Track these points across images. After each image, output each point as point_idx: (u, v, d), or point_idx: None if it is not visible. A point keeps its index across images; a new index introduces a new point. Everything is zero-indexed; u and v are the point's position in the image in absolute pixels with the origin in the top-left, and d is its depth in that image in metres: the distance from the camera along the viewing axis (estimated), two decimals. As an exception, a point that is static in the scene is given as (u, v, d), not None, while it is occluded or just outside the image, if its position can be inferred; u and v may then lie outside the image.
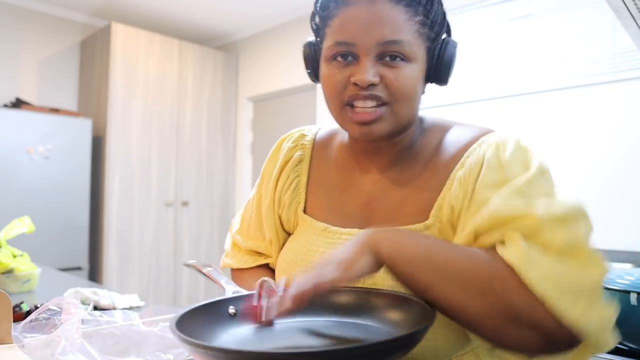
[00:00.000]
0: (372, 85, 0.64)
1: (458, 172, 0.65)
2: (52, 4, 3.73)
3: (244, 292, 0.63)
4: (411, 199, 0.69)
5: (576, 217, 0.54)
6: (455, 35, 0.74)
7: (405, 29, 0.64)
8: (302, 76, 3.75)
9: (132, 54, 3.64)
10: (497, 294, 0.51)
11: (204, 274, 0.72)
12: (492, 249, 0.55)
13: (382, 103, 0.65)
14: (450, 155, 0.69)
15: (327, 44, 0.68)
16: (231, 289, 0.64)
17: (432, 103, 2.92)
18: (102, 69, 3.62)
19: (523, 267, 0.51)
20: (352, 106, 0.66)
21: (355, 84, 0.64)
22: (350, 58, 0.65)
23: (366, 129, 0.66)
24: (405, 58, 0.64)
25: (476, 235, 0.58)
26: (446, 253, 0.55)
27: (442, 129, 0.74)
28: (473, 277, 0.53)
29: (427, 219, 0.67)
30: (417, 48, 0.65)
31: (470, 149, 0.66)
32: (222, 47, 4.51)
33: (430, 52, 0.68)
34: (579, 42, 2.46)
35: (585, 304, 0.50)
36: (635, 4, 1.18)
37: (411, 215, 0.68)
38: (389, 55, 0.64)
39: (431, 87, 0.76)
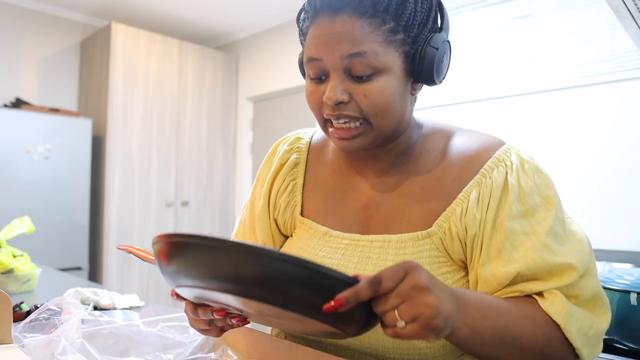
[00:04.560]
0: (342, 103, 0.64)
1: (473, 190, 0.65)
2: (52, 4, 3.73)
3: None
4: (414, 207, 0.69)
5: (593, 262, 0.63)
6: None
7: (370, 40, 0.62)
8: (302, 76, 3.75)
9: (132, 54, 3.64)
10: (545, 351, 0.59)
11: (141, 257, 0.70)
12: (536, 304, 0.61)
13: (358, 119, 0.65)
14: (460, 166, 0.68)
15: (304, 60, 0.69)
16: None
17: (431, 103, 2.92)
18: (102, 69, 3.62)
19: (566, 325, 0.59)
20: (331, 122, 0.67)
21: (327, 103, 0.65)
22: (323, 76, 0.66)
23: (345, 143, 0.67)
24: (375, 70, 0.63)
25: (514, 281, 0.62)
26: (514, 329, 0.58)
27: (445, 134, 0.73)
28: (533, 346, 0.59)
29: (430, 227, 0.67)
30: (386, 57, 0.63)
31: (486, 166, 0.66)
32: (222, 47, 4.51)
33: (410, 56, 0.66)
34: (578, 42, 2.46)
35: (595, 346, 0.63)
36: (635, 4, 1.18)
37: (413, 223, 0.68)
38: (358, 70, 0.63)
39: (430, 87, 0.75)
